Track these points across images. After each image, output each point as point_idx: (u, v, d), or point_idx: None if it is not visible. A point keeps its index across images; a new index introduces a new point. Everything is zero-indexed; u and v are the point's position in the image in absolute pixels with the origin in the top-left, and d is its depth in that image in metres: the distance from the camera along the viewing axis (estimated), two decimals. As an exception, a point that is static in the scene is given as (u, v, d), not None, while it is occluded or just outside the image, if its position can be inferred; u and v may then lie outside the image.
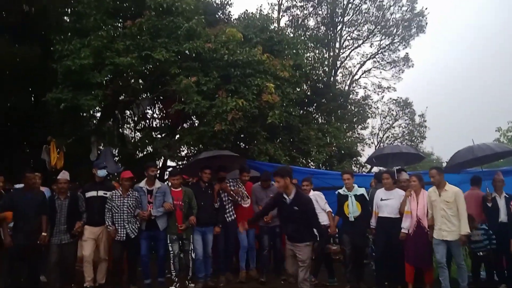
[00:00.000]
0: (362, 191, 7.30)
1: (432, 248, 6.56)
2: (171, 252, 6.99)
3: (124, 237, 6.74)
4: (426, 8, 21.13)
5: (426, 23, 21.24)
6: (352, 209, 7.16)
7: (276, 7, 21.38)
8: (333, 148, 13.39)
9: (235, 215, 7.65)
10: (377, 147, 22.73)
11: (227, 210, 7.62)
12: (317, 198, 7.50)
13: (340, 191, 7.44)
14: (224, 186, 7.51)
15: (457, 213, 6.28)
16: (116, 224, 6.74)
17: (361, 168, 17.67)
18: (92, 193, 6.88)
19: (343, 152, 14.28)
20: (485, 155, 7.39)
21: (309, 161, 13.02)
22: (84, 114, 9.87)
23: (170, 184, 7.34)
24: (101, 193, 6.89)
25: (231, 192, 7.58)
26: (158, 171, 7.48)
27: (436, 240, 6.44)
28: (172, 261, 7.00)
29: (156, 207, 6.91)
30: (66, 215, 6.62)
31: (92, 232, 6.76)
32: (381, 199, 7.12)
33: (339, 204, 7.37)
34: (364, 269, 7.60)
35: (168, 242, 6.97)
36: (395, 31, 21.72)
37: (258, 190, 7.86)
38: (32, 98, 10.98)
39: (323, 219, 7.38)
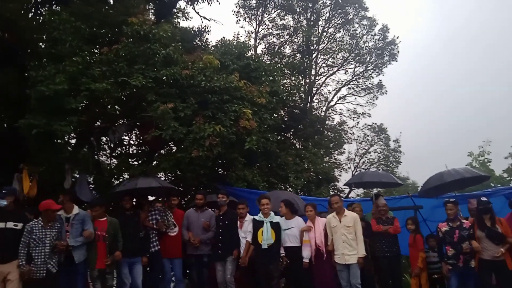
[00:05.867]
0: (278, 219, 7.20)
1: (333, 272, 6.84)
2: None
3: (45, 274, 5.89)
4: (397, 37, 21.76)
5: (398, 51, 21.91)
6: (266, 236, 6.97)
7: (253, 35, 21.75)
8: (311, 173, 13.44)
9: (159, 246, 7.32)
10: (354, 172, 22.91)
11: (152, 240, 7.30)
12: (249, 224, 7.33)
13: (256, 217, 7.29)
14: (146, 223, 7.20)
15: (356, 237, 6.68)
16: (37, 259, 5.88)
17: (339, 193, 17.72)
18: None
19: (320, 177, 14.32)
20: (454, 180, 7.58)
21: (288, 186, 13.01)
22: (59, 141, 9.67)
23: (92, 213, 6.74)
24: (10, 224, 5.93)
25: (154, 226, 7.28)
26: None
27: (340, 266, 6.73)
28: None
29: (73, 236, 6.27)
30: None
31: None
32: (283, 229, 7.13)
33: (254, 231, 7.18)
34: None
35: (89, 280, 6.39)
36: (368, 58, 22.27)
37: (192, 214, 7.62)
38: (5, 125, 10.73)
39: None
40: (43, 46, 9.99)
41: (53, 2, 11.19)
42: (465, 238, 6.54)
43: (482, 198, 6.65)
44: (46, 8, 11.19)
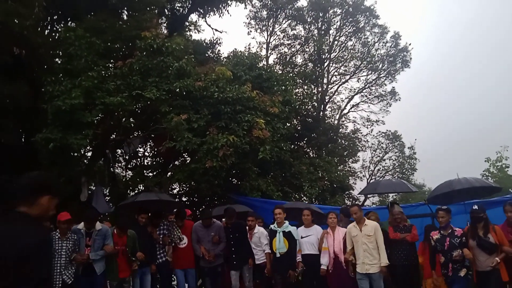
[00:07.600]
0: (291, 228, 7.30)
1: (351, 281, 6.76)
2: None
3: (60, 285, 6.09)
4: (409, 44, 21.66)
5: (411, 58, 21.81)
6: (279, 245, 7.16)
7: (264, 45, 21.88)
8: (325, 182, 13.39)
9: (166, 257, 7.56)
10: (369, 180, 22.72)
11: (159, 252, 7.52)
12: (260, 236, 7.47)
13: (272, 226, 7.46)
14: (155, 236, 7.46)
15: (377, 246, 6.63)
16: (53, 270, 6.02)
17: (354, 201, 17.61)
18: None
19: (335, 185, 14.27)
20: (463, 188, 7.47)
21: (302, 195, 12.97)
22: (75, 154, 9.81)
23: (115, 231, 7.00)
24: None
25: (160, 241, 7.51)
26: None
27: (360, 275, 6.67)
28: None
29: (94, 250, 6.51)
30: None
31: None
32: (302, 237, 7.28)
33: (270, 240, 7.37)
34: None
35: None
36: (380, 66, 22.19)
37: (200, 229, 7.70)
38: (23, 139, 10.92)
39: (260, 256, 7.44)
40: (59, 62, 10.18)
41: (68, 19, 11.44)
42: (456, 246, 6.33)
43: (474, 207, 6.45)
44: (62, 25, 11.44)
